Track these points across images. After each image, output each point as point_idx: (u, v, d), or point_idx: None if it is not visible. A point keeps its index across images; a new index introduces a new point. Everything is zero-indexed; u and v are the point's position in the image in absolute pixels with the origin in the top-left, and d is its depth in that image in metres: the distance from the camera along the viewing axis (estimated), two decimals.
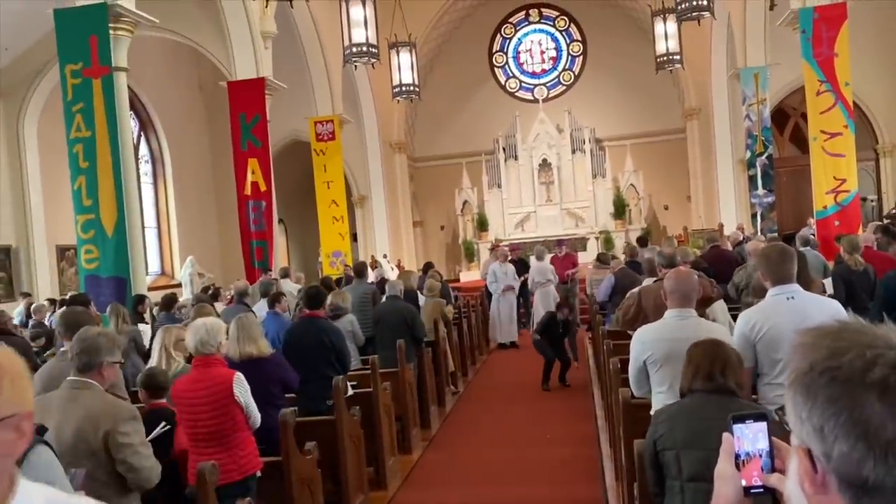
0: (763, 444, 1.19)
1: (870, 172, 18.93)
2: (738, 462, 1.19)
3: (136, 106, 17.46)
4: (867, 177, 18.28)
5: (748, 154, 15.73)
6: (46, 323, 9.64)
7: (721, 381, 2.76)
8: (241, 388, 3.85)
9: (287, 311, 7.02)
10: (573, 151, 21.61)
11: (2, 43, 12.90)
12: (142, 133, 18.13)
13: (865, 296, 6.14)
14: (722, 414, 2.58)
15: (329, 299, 6.96)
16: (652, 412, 3.64)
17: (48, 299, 11.51)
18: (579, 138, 21.68)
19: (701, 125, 20.51)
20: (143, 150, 18.20)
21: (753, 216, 16.02)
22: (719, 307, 4.99)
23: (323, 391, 5.29)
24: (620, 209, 21.28)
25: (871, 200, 18.25)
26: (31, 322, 9.83)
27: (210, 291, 10.89)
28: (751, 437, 1.20)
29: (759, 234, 13.93)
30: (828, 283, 6.92)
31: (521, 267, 13.08)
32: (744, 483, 1.18)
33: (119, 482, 2.88)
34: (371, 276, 10.51)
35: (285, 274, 10.48)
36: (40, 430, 2.11)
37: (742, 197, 17.93)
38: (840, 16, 10.25)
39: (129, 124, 10.56)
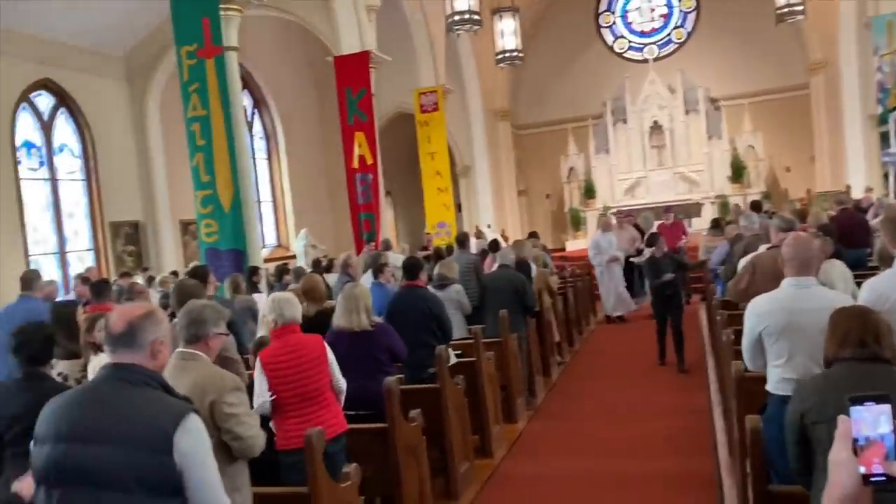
0: (886, 427, 1.09)
1: None
2: (856, 447, 1.10)
3: (250, 85, 18.10)
4: None
5: (880, 109, 14.54)
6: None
7: (875, 349, 2.53)
8: (329, 350, 4.02)
9: (391, 281, 7.14)
10: (686, 112, 20.70)
11: (126, 29, 13.68)
12: (256, 111, 18.81)
13: None
14: (879, 384, 2.39)
15: (436, 270, 7.03)
16: (767, 387, 3.46)
17: (172, 272, 12.21)
18: (693, 98, 20.72)
19: (827, 80, 19.13)
20: (258, 127, 18.89)
21: (885, 176, 14.85)
22: (839, 274, 4.60)
23: (425, 360, 5.35)
24: (738, 172, 20.23)
25: None
26: (159, 292, 10.45)
27: (323, 263, 11.23)
28: (871, 420, 1.10)
29: (891, 195, 12.94)
30: None
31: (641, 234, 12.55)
32: (862, 470, 1.08)
33: (225, 450, 2.98)
34: (474, 247, 10.49)
35: (388, 246, 10.66)
36: (188, 399, 2.24)
37: (873, 155, 16.65)
38: None
39: (241, 102, 10.96)
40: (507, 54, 17.05)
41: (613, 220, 13.01)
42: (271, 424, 3.85)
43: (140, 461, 2.01)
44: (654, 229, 11.14)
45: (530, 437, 6.55)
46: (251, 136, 17.80)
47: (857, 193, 13.64)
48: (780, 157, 21.36)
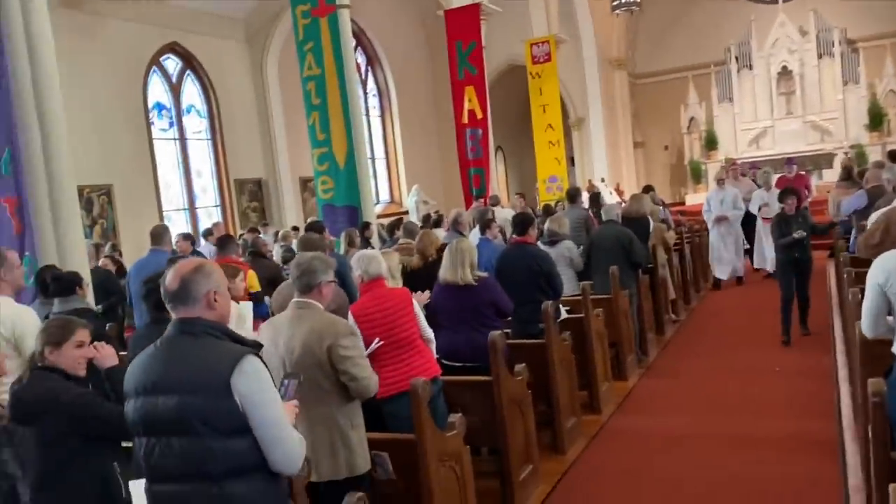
0: None
1: None
2: None
3: (363, 42, 18.33)
4: None
5: None
6: (293, 247, 10.66)
7: None
8: (415, 302, 4.17)
9: (497, 237, 7.13)
10: (819, 56, 19.31)
11: None
12: (369, 68, 19.05)
13: None
14: None
15: (546, 225, 6.97)
16: (894, 349, 3.24)
17: (293, 227, 12.73)
18: (827, 40, 19.26)
19: None
20: (371, 84, 19.16)
21: None
22: None
23: (534, 315, 5.35)
24: (877, 119, 18.73)
25: None
26: (282, 247, 10.92)
27: (432, 219, 11.37)
28: None
29: None
30: None
31: None
32: None
33: (342, 391, 3.20)
34: (587, 202, 10.29)
35: (496, 202, 10.67)
36: (256, 344, 2.36)
37: None
38: None
39: (354, 60, 11.11)
40: (624, 0, 16.38)
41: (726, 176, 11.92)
42: None
43: (204, 406, 2.14)
44: (773, 185, 10.33)
45: (641, 394, 6.47)
46: (365, 94, 18.10)
47: None
48: None
